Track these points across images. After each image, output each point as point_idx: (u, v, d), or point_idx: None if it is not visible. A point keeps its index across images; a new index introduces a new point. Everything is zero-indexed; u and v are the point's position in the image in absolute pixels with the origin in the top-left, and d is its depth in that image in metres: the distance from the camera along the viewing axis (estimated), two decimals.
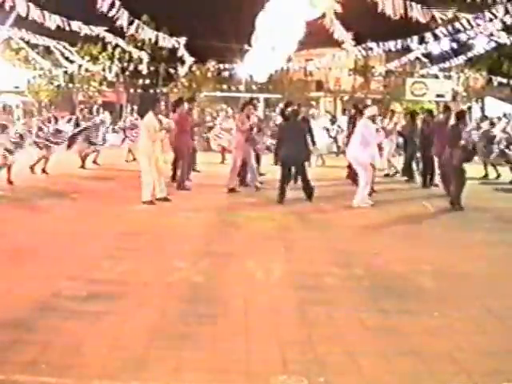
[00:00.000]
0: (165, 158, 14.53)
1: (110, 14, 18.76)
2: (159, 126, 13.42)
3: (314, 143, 17.26)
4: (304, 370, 5.15)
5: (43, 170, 18.66)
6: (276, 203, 13.83)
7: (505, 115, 27.97)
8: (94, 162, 21.20)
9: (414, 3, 18.86)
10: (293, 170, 14.97)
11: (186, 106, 16.77)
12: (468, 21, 21.83)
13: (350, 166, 16.32)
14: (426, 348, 5.68)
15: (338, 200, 14.60)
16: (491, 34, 25.68)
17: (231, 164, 15.87)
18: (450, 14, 21.32)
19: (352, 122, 17.54)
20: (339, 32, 20.32)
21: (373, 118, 14.44)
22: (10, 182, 16.21)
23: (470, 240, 10.88)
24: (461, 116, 14.35)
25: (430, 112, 19.20)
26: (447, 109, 17.63)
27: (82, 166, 20.38)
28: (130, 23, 20.76)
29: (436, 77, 41.03)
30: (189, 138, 16.25)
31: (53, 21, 20.84)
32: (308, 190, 14.24)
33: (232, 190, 15.33)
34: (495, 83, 40.13)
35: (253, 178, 15.99)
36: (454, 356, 5.52)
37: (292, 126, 14.59)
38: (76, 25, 22.97)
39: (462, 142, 13.65)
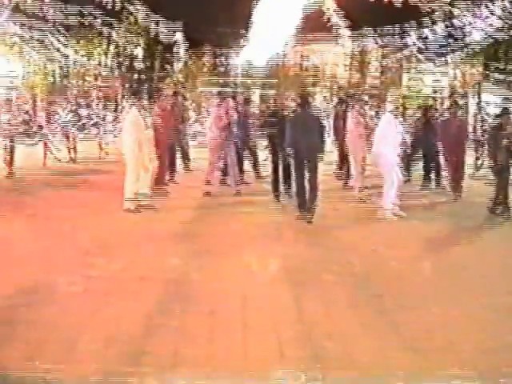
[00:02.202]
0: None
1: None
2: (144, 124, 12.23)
3: None
4: (302, 366, 5.18)
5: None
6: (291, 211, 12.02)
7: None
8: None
9: None
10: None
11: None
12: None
13: None
14: (424, 344, 5.72)
15: (334, 196, 14.21)
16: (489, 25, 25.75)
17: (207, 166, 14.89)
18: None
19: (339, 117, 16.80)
20: (336, 20, 20.35)
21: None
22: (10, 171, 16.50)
23: (470, 236, 10.97)
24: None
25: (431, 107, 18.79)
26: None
27: None
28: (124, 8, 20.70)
29: (432, 72, 41.01)
30: (168, 135, 14.51)
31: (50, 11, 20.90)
32: (313, 199, 11.74)
33: (208, 194, 14.39)
34: (491, 78, 40.15)
35: (232, 179, 14.89)
36: (453, 352, 5.57)
37: (304, 117, 12.12)
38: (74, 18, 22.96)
39: (505, 142, 12.39)
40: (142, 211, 11.90)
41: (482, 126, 25.54)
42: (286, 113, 13.97)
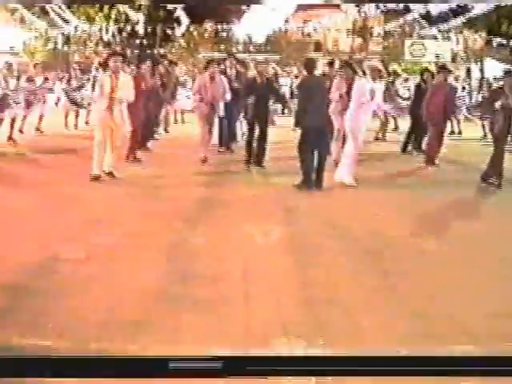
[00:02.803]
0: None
1: None
2: (111, 86, 11.51)
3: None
4: (303, 332, 5.14)
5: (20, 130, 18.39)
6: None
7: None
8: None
9: None
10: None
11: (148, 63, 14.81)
12: None
13: None
14: (426, 310, 5.71)
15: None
16: None
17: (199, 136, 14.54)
18: None
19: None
20: None
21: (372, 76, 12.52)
22: (11, 139, 16.57)
23: (472, 201, 11.10)
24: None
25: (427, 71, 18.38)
26: (443, 69, 16.55)
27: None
28: None
29: (435, 38, 40.75)
30: (140, 104, 13.50)
31: None
32: (322, 172, 11.47)
33: (204, 161, 14.13)
34: (494, 44, 39.92)
35: (205, 148, 14.43)
36: (455, 318, 5.54)
37: (313, 82, 11.55)
38: None
39: (498, 104, 11.86)
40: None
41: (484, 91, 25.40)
42: (262, 81, 13.52)
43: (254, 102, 13.18)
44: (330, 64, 16.53)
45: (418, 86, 17.69)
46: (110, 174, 11.84)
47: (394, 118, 22.86)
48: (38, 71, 19.69)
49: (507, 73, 12.51)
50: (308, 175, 11.29)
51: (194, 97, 14.83)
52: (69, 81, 22.10)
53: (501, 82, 13.40)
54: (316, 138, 11.30)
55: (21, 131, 17.90)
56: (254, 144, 13.58)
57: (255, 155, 13.54)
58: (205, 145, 14.40)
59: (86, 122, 21.35)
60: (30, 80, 18.23)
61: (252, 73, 14.97)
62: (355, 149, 11.82)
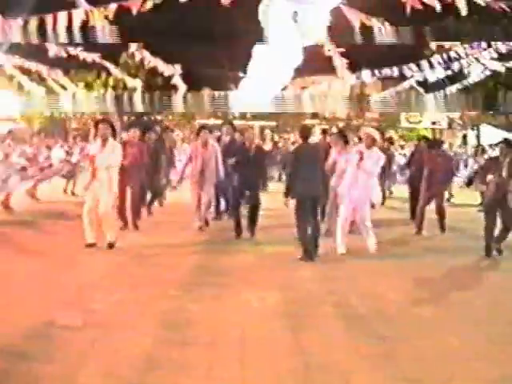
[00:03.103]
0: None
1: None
2: (97, 153, 11.37)
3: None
4: None
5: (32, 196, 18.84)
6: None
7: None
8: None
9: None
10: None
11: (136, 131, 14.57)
12: (464, 48, 21.94)
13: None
14: (424, 375, 5.65)
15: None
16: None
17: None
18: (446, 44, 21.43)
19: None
20: (337, 60, 20.31)
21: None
22: (7, 207, 16.28)
23: (469, 267, 11.05)
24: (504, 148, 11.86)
25: (425, 138, 18.21)
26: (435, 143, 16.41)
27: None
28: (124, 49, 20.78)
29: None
30: (133, 171, 13.46)
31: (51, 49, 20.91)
32: (317, 241, 11.18)
33: (200, 228, 13.99)
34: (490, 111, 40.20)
35: (200, 216, 14.19)
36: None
37: (308, 150, 11.28)
38: (73, 51, 22.99)
39: (490, 177, 11.59)
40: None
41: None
42: (251, 147, 13.37)
43: (244, 169, 12.98)
44: (324, 132, 16.42)
45: (413, 154, 17.63)
46: (111, 245, 11.57)
47: (389, 186, 22.91)
48: (41, 140, 19.79)
49: (506, 141, 12.18)
50: (304, 243, 11.02)
51: (187, 163, 14.64)
52: (69, 150, 22.22)
53: (496, 151, 13.30)
54: (311, 207, 11.10)
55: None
56: (245, 212, 13.49)
57: (248, 223, 13.33)
58: (200, 212, 14.16)
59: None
60: (35, 151, 18.34)
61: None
62: (362, 219, 11.79)
